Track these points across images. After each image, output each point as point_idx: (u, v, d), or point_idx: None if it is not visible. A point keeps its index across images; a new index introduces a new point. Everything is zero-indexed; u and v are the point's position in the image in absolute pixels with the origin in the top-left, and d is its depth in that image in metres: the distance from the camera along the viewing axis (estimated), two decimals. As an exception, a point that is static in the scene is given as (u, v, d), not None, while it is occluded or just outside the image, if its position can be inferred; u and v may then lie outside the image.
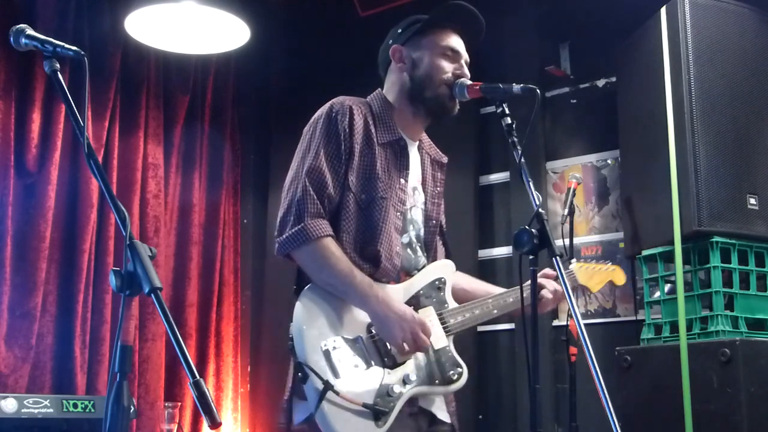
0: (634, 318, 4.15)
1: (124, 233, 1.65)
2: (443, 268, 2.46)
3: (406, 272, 2.41)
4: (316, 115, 2.43)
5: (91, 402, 3.62)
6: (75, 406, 3.55)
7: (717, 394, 3.14)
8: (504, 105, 2.33)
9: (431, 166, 2.57)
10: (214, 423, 1.52)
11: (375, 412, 2.14)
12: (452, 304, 2.42)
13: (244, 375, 5.09)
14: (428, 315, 2.35)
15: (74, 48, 1.85)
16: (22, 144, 4.20)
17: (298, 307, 2.24)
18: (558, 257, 2.13)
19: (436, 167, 2.59)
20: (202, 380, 1.54)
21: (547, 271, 2.56)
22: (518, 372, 4.40)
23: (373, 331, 2.25)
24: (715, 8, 3.54)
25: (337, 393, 2.11)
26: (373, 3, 5.10)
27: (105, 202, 4.37)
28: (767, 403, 3.11)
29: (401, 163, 2.44)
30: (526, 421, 2.73)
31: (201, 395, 1.53)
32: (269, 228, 5.27)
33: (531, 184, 2.21)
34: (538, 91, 2.30)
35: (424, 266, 2.45)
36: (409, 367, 2.25)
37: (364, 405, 2.13)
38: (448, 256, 2.57)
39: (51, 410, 3.47)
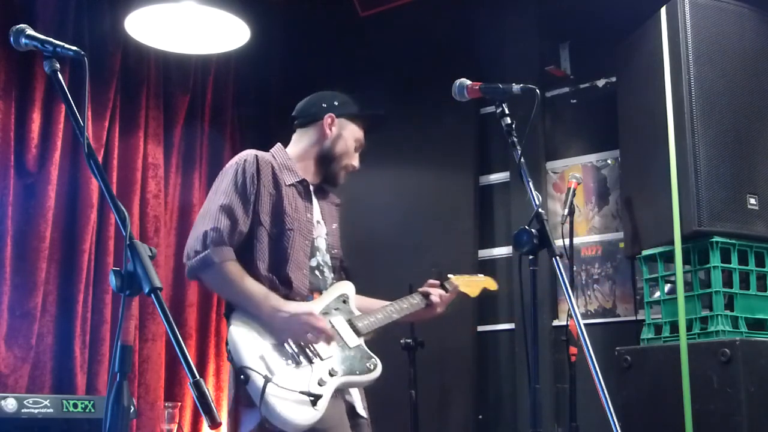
0: (634, 318, 4.15)
1: (124, 233, 1.65)
2: (346, 286, 2.83)
3: (317, 291, 2.74)
4: (229, 163, 2.74)
5: (91, 402, 3.62)
6: (75, 406, 3.55)
7: (717, 394, 3.14)
8: (504, 105, 2.34)
9: (327, 206, 2.91)
10: (214, 423, 1.52)
11: (312, 396, 2.44)
12: (357, 312, 2.78)
13: (244, 375, 5.08)
14: (340, 322, 2.69)
15: (74, 48, 1.85)
16: (22, 144, 4.20)
17: (232, 328, 2.55)
18: (558, 257, 2.13)
19: (333, 207, 2.94)
20: (202, 380, 1.54)
21: (431, 281, 2.96)
22: (518, 372, 4.40)
23: None
24: (715, 8, 3.54)
25: (276, 384, 2.41)
26: (373, 3, 5.11)
27: (105, 202, 4.37)
28: (767, 403, 3.11)
29: (306, 200, 2.79)
30: (526, 421, 2.73)
31: (201, 395, 1.53)
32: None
33: (531, 184, 2.22)
34: (537, 91, 2.30)
35: (331, 284, 2.80)
36: (333, 361, 2.57)
37: (302, 392, 2.43)
38: (348, 279, 2.92)
39: (51, 410, 3.47)
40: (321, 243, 2.81)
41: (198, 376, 1.54)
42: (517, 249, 2.14)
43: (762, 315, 3.44)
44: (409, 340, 3.89)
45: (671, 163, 3.46)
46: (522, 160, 2.24)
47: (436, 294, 2.93)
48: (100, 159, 4.14)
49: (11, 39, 1.89)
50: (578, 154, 4.51)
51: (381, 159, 4.84)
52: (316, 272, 2.76)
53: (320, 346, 2.58)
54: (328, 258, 2.82)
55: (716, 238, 3.36)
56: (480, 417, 4.47)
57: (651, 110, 3.64)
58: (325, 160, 2.83)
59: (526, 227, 2.12)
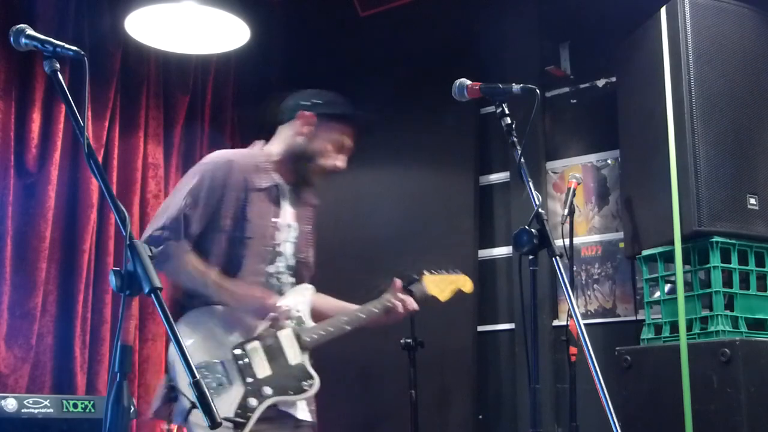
0: (634, 318, 4.15)
1: (124, 233, 1.65)
2: (302, 292, 2.78)
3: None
4: (198, 163, 2.74)
5: (91, 402, 3.62)
6: (75, 406, 3.55)
7: (717, 394, 3.14)
8: (504, 105, 2.34)
9: (302, 208, 2.85)
10: (214, 423, 1.52)
11: (234, 423, 2.44)
12: (309, 323, 2.73)
13: (244, 375, 5.08)
14: (287, 335, 2.65)
15: (74, 48, 1.85)
16: (22, 144, 4.20)
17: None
18: (558, 257, 2.13)
19: (307, 209, 2.88)
20: (201, 380, 1.54)
21: (397, 286, 2.91)
22: (518, 372, 4.40)
23: (236, 353, 2.55)
24: (715, 8, 3.54)
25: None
26: (373, 3, 5.11)
27: (105, 202, 4.37)
28: (767, 403, 3.11)
29: (275, 204, 2.75)
30: (526, 421, 2.73)
31: (201, 395, 1.53)
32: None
33: (531, 184, 2.21)
34: (537, 91, 2.30)
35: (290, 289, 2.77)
36: (267, 382, 2.55)
37: (225, 419, 2.42)
38: (309, 281, 2.88)
39: (51, 410, 3.47)
40: (287, 248, 2.77)
41: (198, 376, 1.54)
42: (517, 249, 2.14)
43: (762, 315, 3.44)
44: (409, 340, 3.89)
45: (671, 163, 3.46)
46: (522, 160, 2.24)
47: (393, 300, 2.86)
48: (100, 159, 4.14)
49: (11, 39, 1.89)
50: (578, 154, 4.51)
51: (381, 159, 4.84)
52: (273, 279, 2.72)
53: (258, 366, 2.56)
54: (293, 262, 2.79)
55: (716, 238, 3.36)
56: (480, 417, 4.47)
57: (651, 110, 3.64)
58: (299, 159, 2.77)
59: (526, 227, 2.12)
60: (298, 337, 2.67)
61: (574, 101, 4.58)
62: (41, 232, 4.18)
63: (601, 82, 4.49)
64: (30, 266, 4.14)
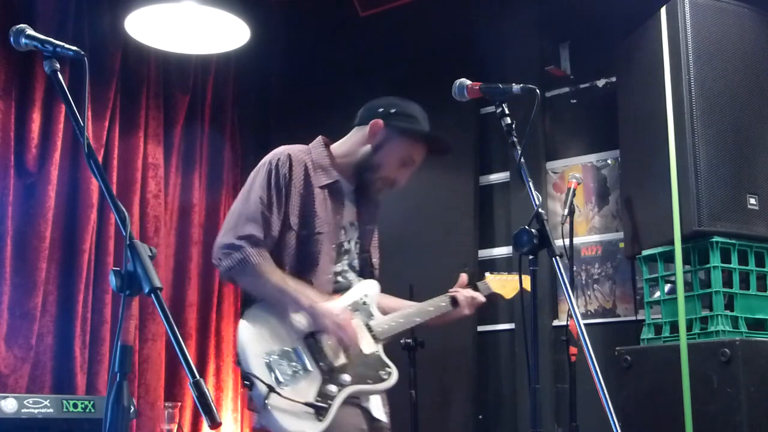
0: (634, 318, 4.15)
1: (124, 233, 1.65)
2: (368, 287, 2.74)
3: (339, 295, 2.67)
4: (260, 163, 2.67)
5: (91, 402, 3.62)
6: (75, 406, 3.55)
7: (717, 394, 3.14)
8: (504, 105, 2.34)
9: (366, 205, 2.80)
10: (214, 423, 1.52)
11: (316, 408, 2.39)
12: (378, 316, 2.70)
13: (244, 375, 5.08)
14: (358, 326, 2.61)
15: (74, 48, 1.85)
16: (22, 144, 4.20)
17: (242, 326, 2.50)
18: (558, 257, 2.13)
19: (372, 207, 2.83)
20: (202, 380, 1.54)
21: (461, 281, 2.90)
22: (518, 372, 4.40)
23: (309, 341, 2.51)
24: (715, 8, 3.54)
25: (279, 395, 2.37)
26: (373, 3, 5.11)
27: (105, 202, 4.37)
28: (767, 403, 3.11)
29: (338, 202, 2.70)
30: (526, 421, 2.73)
31: (201, 395, 1.53)
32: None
33: (531, 184, 2.21)
34: (537, 91, 2.30)
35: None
36: (344, 370, 2.51)
37: (305, 403, 2.38)
38: (375, 279, 2.85)
39: (51, 410, 3.47)
40: (351, 246, 2.73)
41: (198, 376, 1.53)
42: (517, 249, 2.14)
43: (762, 315, 3.44)
44: (409, 340, 3.89)
45: (671, 163, 3.46)
46: (522, 160, 2.24)
47: (462, 295, 2.85)
48: (100, 159, 4.14)
49: (11, 39, 1.89)
50: (578, 154, 4.51)
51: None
52: (340, 277, 2.69)
53: (333, 353, 2.52)
54: (356, 261, 2.76)
55: (716, 238, 3.36)
56: (480, 417, 4.47)
57: (651, 110, 3.64)
58: (362, 166, 2.70)
59: (526, 227, 2.12)
60: (369, 328, 2.64)
61: (574, 101, 4.58)
62: (41, 232, 4.18)
63: (601, 82, 4.49)
64: (30, 266, 4.14)
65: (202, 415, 1.52)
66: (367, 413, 2.60)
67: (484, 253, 4.66)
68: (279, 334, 2.49)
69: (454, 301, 2.84)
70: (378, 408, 2.65)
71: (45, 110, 4.30)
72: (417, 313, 2.77)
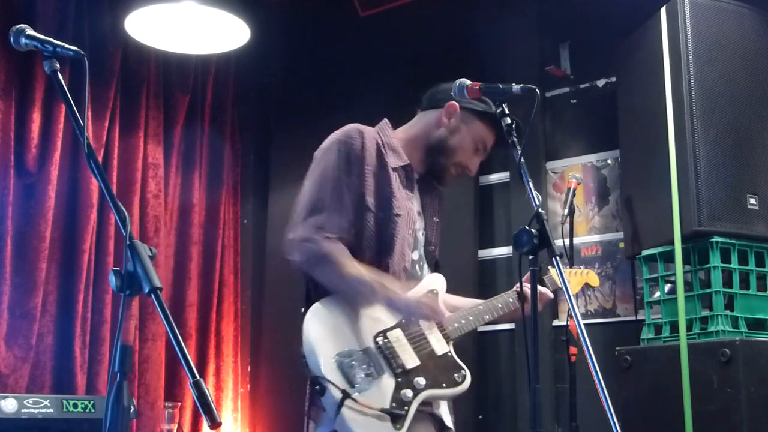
0: (634, 318, 4.15)
1: (124, 233, 1.65)
2: (436, 280, 2.56)
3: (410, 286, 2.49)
4: (328, 140, 2.49)
5: (91, 402, 3.62)
6: (75, 406, 3.55)
7: (717, 394, 3.14)
8: (504, 105, 2.33)
9: (430, 197, 2.65)
10: (214, 423, 1.52)
11: (392, 415, 2.23)
12: (446, 312, 2.50)
13: (244, 375, 5.09)
14: (428, 325, 2.44)
15: (74, 48, 1.85)
16: (22, 144, 4.20)
17: (307, 326, 2.32)
18: (558, 257, 2.13)
19: (435, 199, 2.67)
20: (202, 380, 1.54)
21: (526, 277, 2.65)
22: (518, 372, 4.40)
23: (379, 342, 2.34)
24: (715, 8, 3.54)
25: (354, 400, 2.20)
26: (373, 3, 5.10)
27: (105, 202, 4.37)
28: (767, 403, 3.11)
29: (408, 188, 2.55)
30: (526, 421, 2.72)
31: (201, 395, 1.53)
32: (269, 228, 5.27)
33: (531, 184, 2.21)
34: (537, 91, 2.29)
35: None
36: (418, 373, 2.34)
37: (382, 410, 2.22)
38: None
39: (51, 410, 3.47)
40: (420, 236, 2.57)
41: (198, 376, 1.53)
42: (517, 249, 2.14)
43: (762, 315, 3.44)
44: (409, 340, 3.88)
45: (671, 163, 3.46)
46: (522, 160, 2.24)
47: (541, 290, 2.66)
48: (100, 159, 4.14)
49: (11, 39, 1.89)
50: (578, 154, 4.51)
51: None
52: (416, 267, 2.54)
53: (405, 355, 2.35)
54: (424, 252, 2.59)
55: (716, 238, 3.36)
56: (480, 417, 4.47)
57: (651, 110, 3.64)
58: (435, 151, 2.55)
59: (526, 227, 2.12)
60: (440, 327, 2.46)
61: (574, 101, 4.58)
62: (41, 232, 4.18)
63: (601, 82, 4.49)
64: (30, 266, 4.14)
65: (202, 415, 1.52)
66: (438, 421, 2.45)
67: (484, 253, 4.66)
68: (345, 334, 2.31)
69: (521, 297, 2.57)
70: (447, 415, 2.50)
71: (45, 110, 4.30)
72: (486, 310, 2.59)
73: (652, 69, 3.63)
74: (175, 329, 1.58)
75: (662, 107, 3.52)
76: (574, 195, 3.82)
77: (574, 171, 4.33)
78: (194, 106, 5.08)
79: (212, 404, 1.53)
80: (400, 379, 2.30)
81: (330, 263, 2.33)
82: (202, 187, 5.09)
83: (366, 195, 2.42)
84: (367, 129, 2.51)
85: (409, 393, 2.29)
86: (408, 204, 2.51)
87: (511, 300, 2.64)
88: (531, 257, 2.15)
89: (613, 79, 4.30)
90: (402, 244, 2.45)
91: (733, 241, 3.39)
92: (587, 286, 3.14)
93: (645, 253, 3.66)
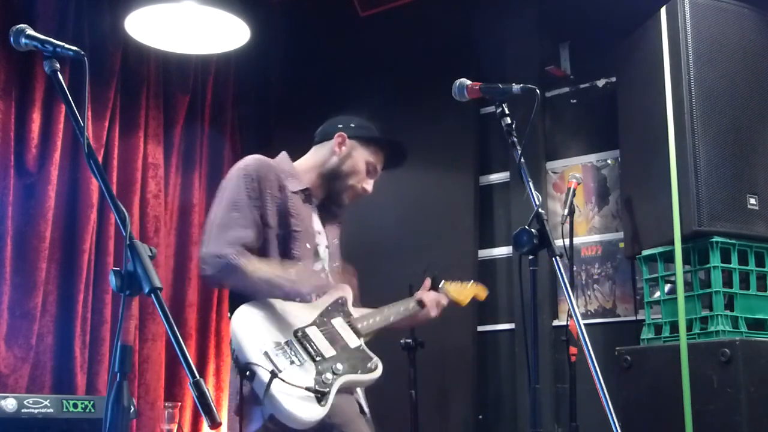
0: (634, 318, 4.15)
1: (124, 233, 1.65)
2: (345, 290, 2.87)
3: (318, 294, 2.79)
4: (233, 169, 2.79)
5: (91, 402, 3.62)
6: (75, 406, 3.55)
7: (717, 394, 3.14)
8: (504, 105, 2.34)
9: (329, 222, 2.93)
10: (214, 423, 1.52)
11: (316, 393, 2.47)
12: (356, 314, 2.82)
13: (244, 375, 5.08)
14: (340, 323, 2.74)
15: (74, 48, 1.85)
16: (22, 144, 4.20)
17: (234, 326, 2.56)
18: (558, 257, 2.13)
19: (334, 225, 2.96)
20: (202, 380, 1.54)
21: (426, 285, 3.11)
22: (518, 372, 4.40)
23: (298, 335, 2.60)
24: (715, 8, 3.54)
25: (282, 380, 2.43)
26: (373, 3, 5.11)
27: (105, 202, 4.37)
28: (767, 403, 3.11)
29: (310, 208, 2.84)
30: (526, 421, 2.73)
31: (201, 395, 1.53)
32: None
33: (531, 184, 2.21)
34: (537, 91, 2.30)
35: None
36: (336, 361, 2.60)
37: (307, 388, 2.46)
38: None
39: (51, 410, 3.47)
40: (323, 252, 2.85)
41: (198, 376, 1.54)
42: (517, 249, 2.14)
43: (762, 315, 3.44)
44: (409, 340, 3.89)
45: (671, 163, 3.46)
46: (522, 160, 2.24)
47: (428, 297, 3.04)
48: (100, 159, 4.14)
49: (11, 39, 1.89)
50: (578, 154, 4.51)
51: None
52: (322, 275, 2.82)
53: (323, 346, 2.62)
54: (329, 269, 2.87)
55: (716, 238, 3.36)
56: (480, 417, 4.47)
57: (651, 110, 3.64)
58: (331, 177, 2.87)
59: (526, 227, 2.12)
60: (351, 325, 2.76)
61: (574, 101, 4.58)
62: (41, 232, 4.18)
63: (601, 82, 4.49)
64: (30, 266, 4.14)
65: (202, 415, 1.52)
66: (358, 404, 2.72)
67: (484, 253, 4.66)
68: (271, 329, 2.57)
69: (421, 303, 3.03)
70: (364, 401, 2.77)
71: (45, 110, 4.30)
72: (390, 312, 2.92)
73: (652, 69, 3.63)
74: (175, 329, 1.58)
75: (662, 107, 3.52)
76: (574, 195, 3.82)
77: (574, 171, 4.33)
78: (194, 106, 5.08)
79: (212, 404, 1.53)
80: (320, 366, 2.56)
81: (241, 273, 2.58)
82: (202, 187, 5.09)
83: (267, 216, 2.70)
84: (267, 159, 2.81)
85: (329, 376, 2.54)
86: (308, 222, 2.80)
87: (411, 305, 3.01)
88: (531, 257, 2.15)
89: (613, 79, 4.30)
90: (304, 256, 2.74)
91: (733, 241, 3.39)
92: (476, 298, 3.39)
93: (645, 253, 3.66)
